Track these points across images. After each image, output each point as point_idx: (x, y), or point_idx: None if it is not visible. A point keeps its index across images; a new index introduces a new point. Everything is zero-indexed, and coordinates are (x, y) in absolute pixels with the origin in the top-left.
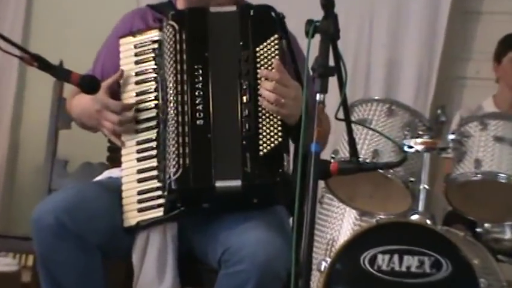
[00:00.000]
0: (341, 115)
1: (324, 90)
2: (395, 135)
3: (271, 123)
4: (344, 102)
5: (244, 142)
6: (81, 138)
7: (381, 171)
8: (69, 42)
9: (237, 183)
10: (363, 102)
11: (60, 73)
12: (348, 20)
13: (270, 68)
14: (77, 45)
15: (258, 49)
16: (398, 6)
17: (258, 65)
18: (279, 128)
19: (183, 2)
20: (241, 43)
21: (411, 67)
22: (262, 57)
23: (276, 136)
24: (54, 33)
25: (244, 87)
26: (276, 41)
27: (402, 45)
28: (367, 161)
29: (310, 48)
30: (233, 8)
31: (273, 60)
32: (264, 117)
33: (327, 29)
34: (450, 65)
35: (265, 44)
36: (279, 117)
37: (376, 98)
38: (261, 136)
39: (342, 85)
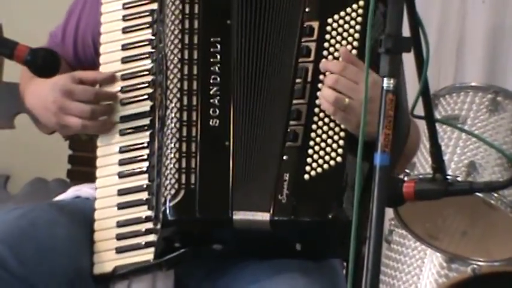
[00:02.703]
0: (420, 111)
1: (394, 73)
2: (503, 141)
3: (331, 133)
4: (425, 92)
5: (284, 157)
6: (29, 143)
7: (479, 194)
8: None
9: (265, 217)
10: (452, 92)
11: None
12: None
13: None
14: (23, 6)
15: (330, 21)
16: None
17: (327, 44)
18: (341, 143)
19: None
20: (306, 9)
21: None
22: (334, 33)
23: (334, 154)
24: None
25: (299, 73)
26: (361, 11)
27: None
28: (459, 179)
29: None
30: None
31: (349, 39)
32: (321, 123)
33: None
34: None
35: (343, 13)
36: (343, 127)
37: (473, 84)
38: (311, 151)
39: (421, 66)
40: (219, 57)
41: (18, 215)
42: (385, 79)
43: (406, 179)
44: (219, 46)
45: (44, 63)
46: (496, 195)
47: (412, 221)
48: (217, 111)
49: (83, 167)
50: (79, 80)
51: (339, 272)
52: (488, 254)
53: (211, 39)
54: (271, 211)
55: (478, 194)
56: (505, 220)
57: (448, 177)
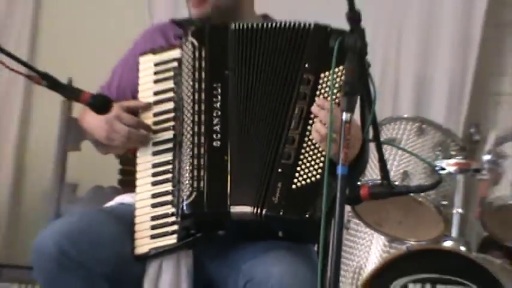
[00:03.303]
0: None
1: (350, 109)
2: (427, 156)
3: (314, 157)
4: (373, 122)
5: (280, 170)
6: (91, 160)
7: (412, 194)
8: (78, 59)
9: (254, 210)
10: (391, 121)
11: (69, 92)
12: (374, 30)
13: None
14: (87, 62)
15: (322, 75)
16: (429, 16)
17: (318, 92)
18: (321, 165)
19: (194, 13)
20: (306, 65)
21: (443, 82)
22: (324, 85)
23: (315, 172)
24: (62, 49)
25: (296, 111)
26: (341, 71)
27: (433, 58)
28: (397, 183)
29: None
30: (294, 23)
31: (335, 90)
32: (308, 148)
33: (354, 44)
34: (484, 81)
35: (331, 71)
36: (324, 153)
37: (406, 116)
38: (299, 168)
39: (370, 103)
40: (219, 97)
41: (77, 219)
42: (344, 113)
43: (360, 184)
44: (219, 90)
45: (100, 105)
46: (422, 194)
47: (363, 213)
48: (219, 135)
49: (129, 177)
50: (125, 108)
51: (313, 250)
52: (417, 236)
53: (214, 85)
54: (266, 208)
55: (411, 194)
56: (429, 212)
57: (390, 183)
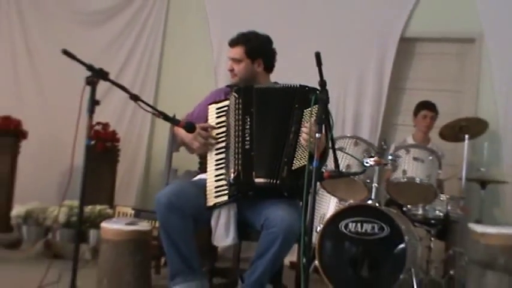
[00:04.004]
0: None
1: (320, 131)
2: (359, 156)
3: (303, 153)
4: (332, 140)
5: (285, 159)
6: (184, 156)
7: (352, 176)
8: (177, 103)
9: (267, 180)
10: (340, 138)
11: (173, 121)
12: (332, 90)
13: (308, 123)
14: (183, 104)
15: (305, 110)
16: (359, 83)
17: (302, 119)
18: (306, 157)
19: (231, 80)
20: (296, 105)
21: (367, 117)
22: (305, 115)
23: (303, 160)
24: (170, 98)
25: (293, 129)
26: (315, 109)
27: (362, 104)
28: (344, 170)
29: None
30: (292, 86)
31: (311, 119)
32: (299, 148)
33: (323, 97)
34: (389, 117)
35: (309, 109)
36: (308, 150)
37: (348, 135)
38: (295, 159)
39: (330, 130)
40: (248, 122)
41: (177, 185)
42: (317, 134)
43: (324, 171)
44: (248, 118)
45: (189, 128)
46: (357, 176)
47: (326, 185)
48: (249, 142)
49: (204, 165)
50: (202, 127)
51: (299, 203)
52: (354, 198)
53: (245, 116)
54: (279, 180)
55: (351, 176)
56: (360, 186)
57: (340, 170)
